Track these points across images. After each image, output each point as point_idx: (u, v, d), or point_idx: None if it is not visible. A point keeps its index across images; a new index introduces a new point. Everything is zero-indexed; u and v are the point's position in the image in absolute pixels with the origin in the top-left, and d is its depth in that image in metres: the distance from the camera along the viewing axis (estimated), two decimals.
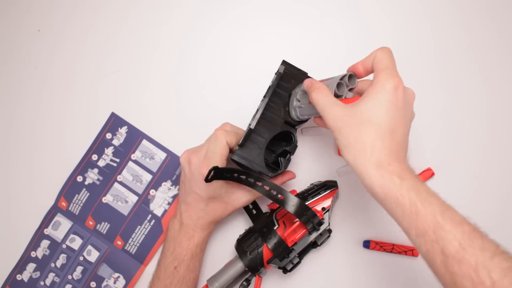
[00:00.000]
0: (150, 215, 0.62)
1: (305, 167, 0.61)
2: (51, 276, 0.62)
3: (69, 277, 0.62)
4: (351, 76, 0.47)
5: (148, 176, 0.62)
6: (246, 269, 0.54)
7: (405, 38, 0.63)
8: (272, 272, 0.59)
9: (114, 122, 0.63)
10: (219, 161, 0.51)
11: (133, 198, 0.62)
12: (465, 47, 0.63)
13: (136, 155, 0.63)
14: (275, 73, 0.53)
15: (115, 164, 0.63)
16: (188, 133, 0.62)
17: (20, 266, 0.62)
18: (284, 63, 0.53)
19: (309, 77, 0.54)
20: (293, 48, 0.63)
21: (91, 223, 0.62)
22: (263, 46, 0.64)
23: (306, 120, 0.53)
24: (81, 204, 0.62)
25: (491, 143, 0.61)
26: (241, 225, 0.61)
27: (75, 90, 0.64)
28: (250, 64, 0.63)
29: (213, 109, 0.63)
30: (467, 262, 0.34)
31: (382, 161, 0.40)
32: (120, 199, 0.62)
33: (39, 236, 0.62)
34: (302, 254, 0.54)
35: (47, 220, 0.62)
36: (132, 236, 0.62)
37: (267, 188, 0.50)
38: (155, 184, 0.62)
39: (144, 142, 0.63)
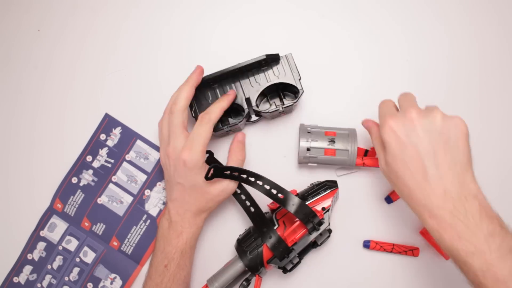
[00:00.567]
0: (145, 215, 0.61)
1: (305, 166, 0.60)
2: (48, 278, 0.62)
3: (66, 278, 0.61)
4: None
5: (143, 176, 0.62)
6: (246, 269, 0.53)
7: (406, 37, 0.63)
8: (272, 272, 0.59)
9: (108, 123, 0.63)
10: (203, 144, 0.51)
11: (128, 199, 0.62)
12: (466, 45, 0.62)
13: (131, 156, 0.62)
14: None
15: (109, 165, 0.62)
16: None
17: (16, 269, 0.62)
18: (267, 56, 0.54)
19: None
20: (293, 49, 0.62)
21: (86, 224, 0.62)
22: (263, 47, 0.62)
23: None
24: (77, 206, 0.62)
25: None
26: (241, 225, 0.60)
27: (72, 90, 0.64)
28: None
29: None
30: None
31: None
32: (115, 199, 0.62)
33: (35, 238, 0.62)
34: (302, 254, 0.54)
35: (42, 222, 0.62)
36: (128, 237, 0.61)
37: (267, 187, 0.51)
38: (150, 184, 0.62)
39: (138, 142, 0.62)
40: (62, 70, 0.64)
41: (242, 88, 0.56)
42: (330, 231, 0.54)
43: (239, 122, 0.56)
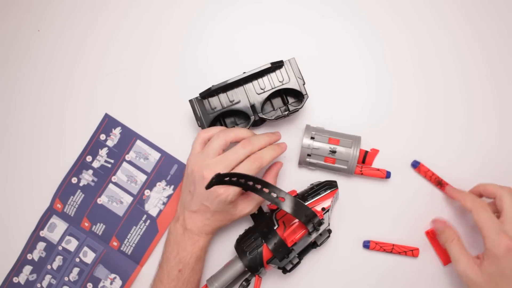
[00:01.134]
0: (145, 216, 0.61)
1: (305, 167, 0.60)
2: (48, 278, 0.62)
3: (66, 278, 0.61)
4: None
5: (143, 177, 0.62)
6: (246, 269, 0.53)
7: (406, 38, 0.62)
8: (271, 272, 0.59)
9: (108, 123, 0.63)
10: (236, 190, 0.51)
11: (128, 199, 0.62)
12: (467, 43, 0.62)
13: (131, 156, 0.62)
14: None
15: (109, 165, 0.62)
16: (182, 133, 0.62)
17: (16, 269, 0.62)
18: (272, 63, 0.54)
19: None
20: (294, 50, 0.62)
21: (86, 224, 0.62)
22: (263, 48, 0.63)
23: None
24: (76, 206, 0.62)
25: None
26: (241, 225, 0.60)
27: (72, 90, 0.64)
28: (249, 66, 0.62)
29: None
30: None
31: None
32: (115, 200, 0.62)
33: (35, 238, 0.62)
34: (302, 254, 0.53)
35: (42, 222, 0.62)
36: (128, 237, 0.61)
37: (266, 190, 0.50)
38: (149, 184, 0.62)
39: (138, 142, 0.62)
40: (62, 70, 0.64)
41: (246, 94, 0.56)
42: (330, 231, 0.54)
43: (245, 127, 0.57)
